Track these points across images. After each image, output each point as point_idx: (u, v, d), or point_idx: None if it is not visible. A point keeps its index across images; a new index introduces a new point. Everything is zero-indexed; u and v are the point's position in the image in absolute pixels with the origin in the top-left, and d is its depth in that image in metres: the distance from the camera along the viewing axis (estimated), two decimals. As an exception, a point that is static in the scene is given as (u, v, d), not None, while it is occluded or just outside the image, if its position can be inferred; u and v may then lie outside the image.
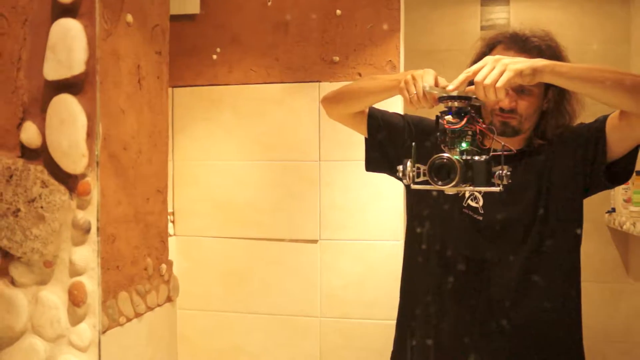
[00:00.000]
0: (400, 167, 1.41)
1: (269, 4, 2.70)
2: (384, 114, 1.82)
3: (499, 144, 1.47)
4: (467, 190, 1.40)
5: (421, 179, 1.39)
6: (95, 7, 1.36)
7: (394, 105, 2.23)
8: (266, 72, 2.72)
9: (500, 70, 1.37)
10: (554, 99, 1.65)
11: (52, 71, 1.37)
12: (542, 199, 1.63)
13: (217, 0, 2.75)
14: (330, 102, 1.82)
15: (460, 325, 1.68)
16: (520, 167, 1.64)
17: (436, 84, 1.46)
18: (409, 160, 1.39)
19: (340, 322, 2.67)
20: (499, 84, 1.37)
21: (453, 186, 1.35)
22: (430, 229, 1.74)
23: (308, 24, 2.68)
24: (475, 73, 1.40)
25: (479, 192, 1.65)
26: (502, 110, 1.59)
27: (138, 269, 1.85)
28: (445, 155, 1.36)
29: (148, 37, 1.91)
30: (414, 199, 1.81)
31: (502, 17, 3.18)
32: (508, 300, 1.64)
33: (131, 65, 1.82)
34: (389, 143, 1.78)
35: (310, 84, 2.67)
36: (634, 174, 3.07)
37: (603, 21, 3.28)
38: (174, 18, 2.70)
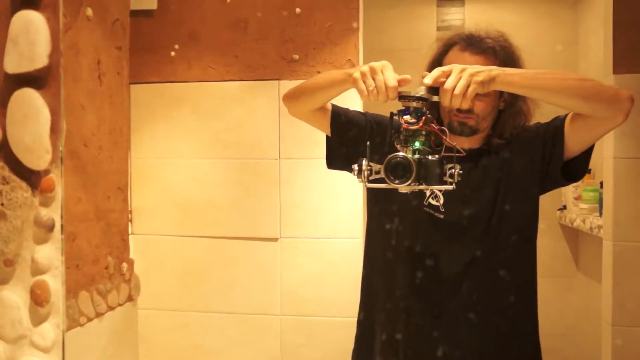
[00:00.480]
0: (355, 166, 1.41)
1: (228, 1, 2.67)
2: (346, 111, 1.81)
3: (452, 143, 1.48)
4: (420, 188, 1.41)
5: (373, 176, 1.39)
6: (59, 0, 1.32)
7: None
8: (225, 70, 2.69)
9: (467, 81, 1.40)
10: (509, 99, 1.67)
11: (14, 64, 1.33)
12: (500, 196, 1.65)
13: (175, -4, 2.72)
14: (290, 99, 1.81)
15: (422, 322, 1.69)
16: (480, 165, 1.66)
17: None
18: (364, 159, 1.40)
19: (301, 320, 2.66)
20: (467, 95, 1.40)
21: (408, 185, 1.36)
22: (391, 228, 1.73)
23: (267, 22, 2.66)
24: (447, 74, 1.42)
25: (440, 191, 1.66)
26: (459, 110, 1.60)
27: (99, 268, 1.81)
28: (401, 154, 1.37)
29: (108, 32, 1.87)
30: (374, 198, 1.81)
31: (458, 18, 3.22)
32: (469, 296, 1.65)
33: (91, 60, 1.77)
34: (351, 141, 1.77)
35: (269, 82, 2.65)
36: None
37: (553, 24, 3.38)
38: (132, 13, 2.63)
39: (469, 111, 1.61)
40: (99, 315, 1.78)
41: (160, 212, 2.74)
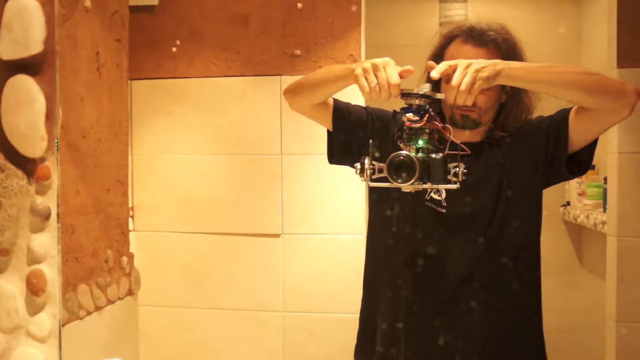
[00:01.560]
0: (358, 165, 1.38)
1: (230, -4, 2.66)
2: (348, 106, 1.79)
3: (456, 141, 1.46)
4: (424, 187, 1.38)
5: (377, 175, 1.37)
6: (54, -15, 1.30)
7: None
8: (227, 66, 2.67)
9: (473, 77, 1.38)
10: (511, 92, 1.65)
11: (8, 50, 1.30)
12: (504, 190, 1.63)
13: (176, -8, 2.70)
14: (291, 93, 1.79)
15: (425, 317, 1.67)
16: (482, 159, 1.64)
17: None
18: (367, 157, 1.37)
19: (303, 316, 2.64)
20: (472, 92, 1.39)
21: (411, 184, 1.34)
22: (393, 223, 1.71)
23: (269, 17, 2.64)
24: (454, 69, 1.40)
25: None
26: (460, 105, 1.58)
27: (98, 261, 1.78)
28: (404, 152, 1.35)
29: (107, 23, 1.85)
30: (375, 193, 1.78)
31: (460, 14, 3.21)
32: (471, 290, 1.63)
33: (90, 51, 1.75)
34: (352, 136, 1.75)
35: (271, 77, 2.64)
36: (588, 167, 3.14)
37: (556, 19, 3.37)
38: (133, 9, 2.62)
39: (472, 104, 1.58)
40: (98, 308, 1.76)
41: (162, 209, 2.72)
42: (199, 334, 2.70)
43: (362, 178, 1.38)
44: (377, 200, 1.77)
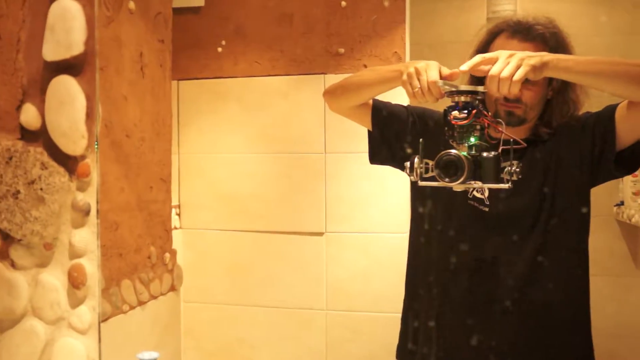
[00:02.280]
0: (408, 164, 1.38)
1: (274, -5, 2.70)
2: (387, 105, 1.80)
3: (510, 135, 1.45)
4: (476, 187, 1.38)
5: (429, 174, 1.36)
6: (94, -13, 1.35)
7: (400, 96, 2.24)
8: (271, 65, 2.71)
9: (517, 64, 1.35)
10: (558, 88, 1.62)
11: (51, 52, 1.37)
12: (549, 188, 1.61)
13: (222, -7, 2.76)
14: (332, 95, 1.81)
15: (468, 318, 1.66)
16: (527, 156, 1.62)
17: (441, 76, 1.44)
18: (417, 156, 1.37)
19: (346, 315, 2.65)
20: (515, 78, 1.35)
21: (461, 183, 1.33)
22: (436, 222, 1.72)
23: (313, 16, 2.67)
24: (490, 60, 1.38)
25: None
26: (506, 99, 1.57)
27: (141, 257, 1.85)
28: (453, 151, 1.34)
29: (151, 25, 1.91)
30: (417, 192, 1.79)
31: (509, 9, 3.15)
32: (516, 291, 1.62)
33: (133, 52, 1.81)
34: (393, 135, 1.76)
35: (315, 76, 2.66)
36: (643, 165, 3.04)
37: (611, 12, 3.25)
38: (179, 11, 2.71)
39: (517, 100, 1.57)
40: (141, 303, 1.82)
41: (207, 207, 2.77)
42: (242, 331, 2.75)
43: (412, 177, 1.38)
44: (419, 198, 1.78)
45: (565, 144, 1.63)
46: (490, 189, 1.60)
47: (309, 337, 2.69)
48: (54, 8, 1.35)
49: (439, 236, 1.71)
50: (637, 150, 1.57)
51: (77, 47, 1.34)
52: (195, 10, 2.76)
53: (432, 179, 1.36)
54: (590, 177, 1.62)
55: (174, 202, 2.76)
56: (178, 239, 2.75)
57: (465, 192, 1.65)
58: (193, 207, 2.78)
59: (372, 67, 2.07)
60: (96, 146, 1.34)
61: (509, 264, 1.62)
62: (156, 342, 1.87)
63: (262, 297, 2.73)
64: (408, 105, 1.81)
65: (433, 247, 1.73)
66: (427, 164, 1.36)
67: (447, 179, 1.33)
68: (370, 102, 1.77)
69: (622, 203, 3.11)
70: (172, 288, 1.97)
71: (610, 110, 1.58)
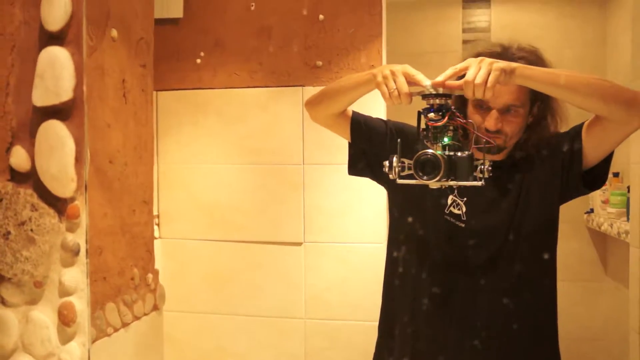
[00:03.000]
0: (386, 162, 1.48)
1: (252, 8, 2.75)
2: (366, 118, 1.87)
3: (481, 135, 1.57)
4: (450, 184, 1.47)
5: (406, 172, 1.46)
6: (82, 35, 1.41)
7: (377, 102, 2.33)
8: (250, 77, 2.77)
9: (487, 69, 1.44)
10: (538, 114, 1.71)
11: (41, 98, 1.43)
12: (521, 206, 1.70)
13: (200, 5, 2.80)
14: (312, 104, 1.87)
15: (439, 330, 1.75)
16: (502, 176, 1.70)
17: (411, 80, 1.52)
18: (395, 155, 1.47)
19: (325, 323, 2.74)
20: (488, 84, 1.44)
21: (437, 181, 1.43)
22: (412, 235, 1.80)
23: (291, 29, 2.73)
24: (462, 70, 1.47)
25: (461, 200, 1.72)
26: (487, 130, 1.65)
27: (125, 280, 1.91)
28: (430, 151, 1.44)
29: (133, 50, 1.96)
30: (396, 205, 1.87)
31: (484, 20, 3.24)
32: (487, 304, 1.71)
33: (116, 79, 1.86)
34: (371, 148, 1.83)
35: (293, 88, 2.72)
36: (611, 175, 3.16)
37: (581, 24, 3.37)
38: (158, 22, 2.73)
39: (498, 131, 1.65)
40: (125, 325, 1.88)
41: (186, 217, 2.84)
42: (223, 339, 2.82)
43: (391, 175, 1.47)
44: (398, 212, 1.86)
45: (537, 163, 1.72)
46: (467, 206, 1.70)
47: (288, 345, 2.77)
48: (43, 55, 1.41)
49: (414, 249, 1.80)
50: (603, 167, 1.66)
51: (66, 93, 1.40)
52: (174, 21, 2.81)
53: (410, 178, 1.46)
54: (559, 194, 1.71)
55: (153, 212, 2.81)
56: (157, 249, 2.80)
57: (443, 207, 1.74)
58: (172, 217, 2.84)
59: (348, 75, 2.12)
60: (85, 189, 1.40)
61: (483, 277, 1.71)
62: (140, 361, 1.94)
63: (242, 306, 2.81)
64: (388, 120, 1.89)
65: (408, 260, 1.81)
66: (403, 162, 1.46)
67: (424, 177, 1.43)
68: (350, 114, 1.85)
69: (591, 210, 3.22)
70: (155, 307, 2.03)
71: (577, 130, 1.67)
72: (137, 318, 1.95)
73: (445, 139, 1.46)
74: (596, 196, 3.14)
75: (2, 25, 1.46)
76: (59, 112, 1.42)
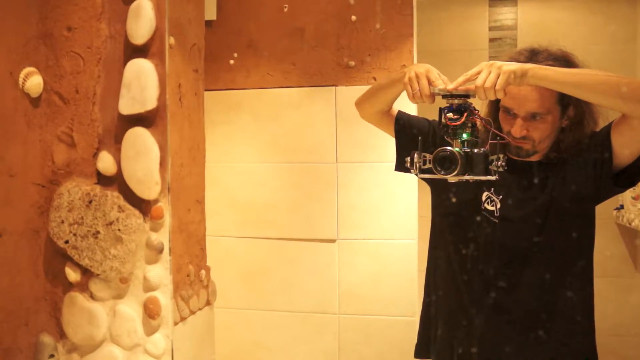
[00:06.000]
0: (408, 158, 1.63)
1: (285, 10, 2.89)
2: (410, 118, 2.01)
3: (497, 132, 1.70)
4: (466, 178, 1.60)
5: (426, 166, 1.61)
6: (165, 48, 1.57)
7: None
8: (283, 77, 2.92)
9: (496, 73, 1.57)
10: (574, 117, 1.79)
11: (127, 107, 1.59)
12: (554, 205, 1.80)
13: (233, 7, 2.95)
14: (359, 103, 2.03)
15: (476, 321, 1.88)
16: (536, 176, 1.82)
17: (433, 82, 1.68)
18: (416, 152, 1.62)
19: (358, 318, 2.88)
20: (497, 86, 1.57)
21: (454, 175, 1.59)
22: (450, 231, 1.94)
23: (324, 30, 2.88)
24: (473, 76, 1.61)
25: (497, 197, 1.85)
26: (514, 137, 1.77)
27: (182, 276, 2.07)
28: (448, 148, 1.59)
29: (187, 56, 2.11)
30: (436, 201, 2.00)
31: (510, 18, 3.35)
32: (521, 300, 1.83)
33: (173, 84, 2.01)
34: (412, 144, 1.90)
35: (326, 88, 2.86)
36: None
37: (610, 21, 3.45)
38: (192, 24, 2.89)
39: (524, 137, 1.75)
40: (183, 319, 2.03)
41: (222, 215, 2.98)
42: (258, 334, 2.98)
43: (413, 170, 1.63)
44: (438, 210, 2.00)
45: (571, 162, 1.81)
46: (501, 202, 1.84)
47: (322, 340, 2.92)
48: (129, 66, 1.57)
49: (454, 245, 1.92)
50: (637, 165, 1.74)
51: (150, 102, 1.56)
52: (207, 23, 2.93)
53: (430, 171, 1.61)
54: (594, 194, 1.80)
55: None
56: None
57: (479, 204, 1.87)
58: (208, 215, 2.96)
59: (382, 76, 2.21)
60: (168, 192, 1.56)
61: (518, 272, 1.83)
62: (196, 353, 2.09)
63: (277, 302, 2.96)
64: (432, 120, 1.99)
65: (449, 255, 1.94)
66: (424, 156, 1.61)
67: (442, 172, 1.59)
68: (394, 113, 2.00)
69: (621, 207, 3.28)
70: (208, 302, 2.18)
71: (607, 128, 1.76)
72: (192, 313, 2.10)
73: (464, 135, 1.62)
74: (626, 192, 3.18)
75: (89, 39, 1.61)
76: (144, 119, 1.58)
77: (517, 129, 1.75)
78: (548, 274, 1.81)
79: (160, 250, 1.60)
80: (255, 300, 2.98)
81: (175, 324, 2.00)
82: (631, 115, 1.64)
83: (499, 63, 1.59)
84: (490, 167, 1.59)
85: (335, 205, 2.88)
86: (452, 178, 1.60)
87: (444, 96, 1.64)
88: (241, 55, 2.95)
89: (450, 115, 1.62)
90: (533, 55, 1.77)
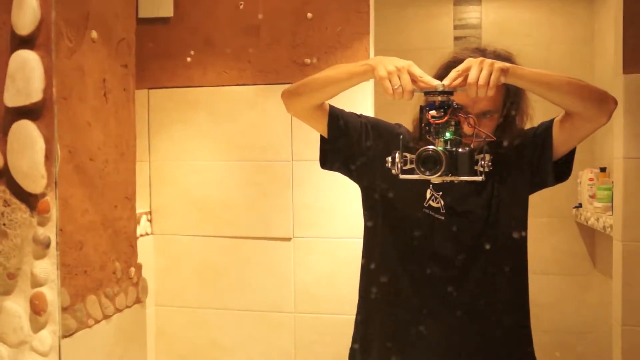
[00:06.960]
0: (389, 158, 1.55)
1: (241, 7, 2.83)
2: (343, 113, 1.88)
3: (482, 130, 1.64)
4: (451, 179, 1.53)
5: (407, 166, 1.53)
6: (52, 39, 1.50)
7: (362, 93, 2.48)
8: (239, 75, 2.86)
9: (489, 70, 1.52)
10: (507, 114, 1.77)
11: (12, 99, 1.52)
12: (495, 198, 1.77)
13: (190, 4, 2.89)
14: (291, 94, 1.87)
15: (417, 321, 1.81)
16: None
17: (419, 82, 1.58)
18: (397, 151, 1.54)
19: (314, 317, 2.83)
20: (491, 84, 1.52)
21: (439, 176, 1.50)
22: (390, 228, 1.86)
23: (279, 27, 2.81)
24: (464, 72, 1.54)
25: (437, 194, 1.78)
26: (465, 134, 1.68)
27: (106, 273, 2.00)
28: (431, 147, 1.51)
29: (113, 51, 2.04)
30: (370, 202, 1.92)
31: (474, 17, 3.28)
32: (465, 294, 1.77)
33: (97, 79, 1.95)
34: (345, 143, 1.86)
35: (282, 85, 2.73)
36: (598, 170, 3.21)
37: (570, 22, 3.44)
38: (148, 21, 2.85)
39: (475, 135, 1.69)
40: (106, 317, 1.97)
41: (178, 213, 2.93)
42: (213, 333, 2.92)
43: (394, 170, 1.55)
44: (373, 209, 1.91)
45: (509, 156, 1.77)
46: (444, 199, 1.76)
47: (278, 339, 2.86)
48: (14, 58, 1.50)
49: (393, 242, 1.85)
50: (570, 159, 1.75)
51: (36, 94, 1.50)
52: (164, 20, 2.90)
53: (412, 172, 1.53)
54: (529, 185, 1.79)
55: (146, 208, 2.91)
56: (149, 245, 2.91)
57: (422, 201, 1.79)
58: (164, 214, 2.94)
59: (333, 65, 2.09)
60: (55, 185, 1.50)
61: (459, 270, 1.77)
62: (122, 353, 2.02)
63: (233, 301, 2.90)
64: (361, 114, 1.91)
65: (386, 253, 1.87)
66: (405, 156, 1.53)
67: (427, 173, 1.51)
68: (327, 107, 1.86)
69: (580, 205, 3.26)
70: (138, 300, 2.12)
71: (547, 125, 1.75)
72: (118, 310, 2.03)
73: (447, 134, 1.54)
74: (584, 191, 3.17)
75: (-26, 29, 1.55)
76: (30, 112, 1.52)
77: (469, 127, 1.68)
78: (489, 271, 1.78)
79: (47, 245, 1.53)
80: (210, 299, 2.92)
81: (97, 322, 1.93)
82: (582, 114, 1.65)
83: (489, 60, 1.54)
84: (475, 167, 1.52)
85: (290, 204, 2.82)
86: (435, 179, 1.52)
87: (426, 93, 1.55)
88: (198, 53, 2.89)
89: (433, 112, 1.53)
90: (481, 54, 1.72)
